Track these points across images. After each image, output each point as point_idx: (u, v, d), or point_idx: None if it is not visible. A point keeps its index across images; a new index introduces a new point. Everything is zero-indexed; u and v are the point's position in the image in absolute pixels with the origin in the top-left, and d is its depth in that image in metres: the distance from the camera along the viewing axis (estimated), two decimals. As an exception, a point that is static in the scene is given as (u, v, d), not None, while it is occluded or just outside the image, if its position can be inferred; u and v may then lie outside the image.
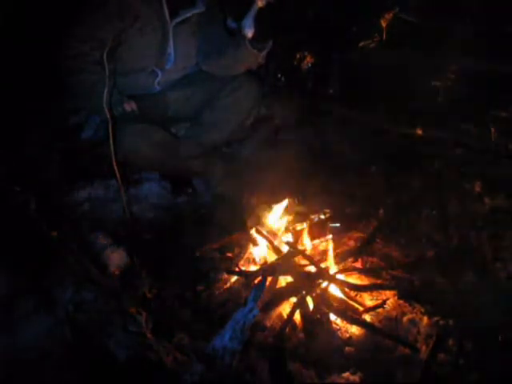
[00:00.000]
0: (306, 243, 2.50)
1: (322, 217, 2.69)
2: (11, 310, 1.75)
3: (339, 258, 2.40)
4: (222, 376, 1.71)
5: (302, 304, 2.10)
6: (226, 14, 2.89)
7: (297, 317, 2.09)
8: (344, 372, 1.84)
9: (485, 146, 2.90)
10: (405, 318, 2.10)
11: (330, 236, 2.41)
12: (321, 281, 2.20)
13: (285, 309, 2.15)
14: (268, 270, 2.27)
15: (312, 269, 2.29)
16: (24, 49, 2.79)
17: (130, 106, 2.63)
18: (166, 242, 2.45)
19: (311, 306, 2.11)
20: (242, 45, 2.62)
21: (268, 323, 2.09)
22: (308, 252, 2.44)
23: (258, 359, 1.85)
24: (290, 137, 2.99)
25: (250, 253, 2.51)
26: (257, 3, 2.46)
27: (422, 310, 2.08)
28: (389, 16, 3.07)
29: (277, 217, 2.67)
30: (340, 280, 2.27)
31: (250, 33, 2.56)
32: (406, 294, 2.18)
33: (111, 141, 2.32)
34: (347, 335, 2.07)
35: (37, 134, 2.76)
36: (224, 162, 3.09)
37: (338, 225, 2.58)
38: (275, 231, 2.58)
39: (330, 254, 2.35)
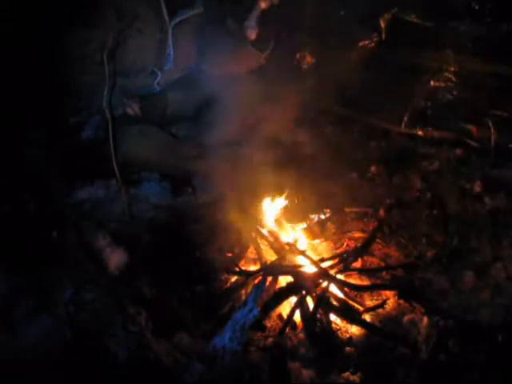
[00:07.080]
0: (306, 243, 2.50)
1: (322, 217, 2.69)
2: (11, 310, 1.75)
3: (339, 258, 2.40)
4: (221, 376, 1.71)
5: (302, 304, 2.10)
6: (226, 15, 2.89)
7: (297, 317, 2.09)
8: (344, 372, 1.85)
9: (485, 146, 2.90)
10: (405, 318, 2.10)
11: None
12: (321, 281, 2.21)
13: (285, 309, 2.15)
14: (268, 269, 2.28)
15: (312, 269, 2.29)
16: (25, 51, 2.79)
17: (133, 110, 2.64)
18: (166, 242, 2.45)
19: (311, 305, 2.12)
20: (243, 45, 2.62)
21: (268, 323, 2.10)
22: (308, 252, 2.44)
23: (258, 359, 1.86)
24: (289, 137, 2.99)
25: (250, 253, 2.51)
26: (260, 5, 2.47)
27: (422, 310, 2.09)
28: (388, 16, 3.07)
29: (277, 217, 2.67)
30: (340, 280, 2.27)
31: (252, 34, 2.57)
32: (406, 294, 2.18)
33: (111, 141, 2.32)
34: (347, 335, 2.07)
35: (37, 133, 2.76)
36: (224, 162, 3.08)
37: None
38: (275, 231, 2.58)
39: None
